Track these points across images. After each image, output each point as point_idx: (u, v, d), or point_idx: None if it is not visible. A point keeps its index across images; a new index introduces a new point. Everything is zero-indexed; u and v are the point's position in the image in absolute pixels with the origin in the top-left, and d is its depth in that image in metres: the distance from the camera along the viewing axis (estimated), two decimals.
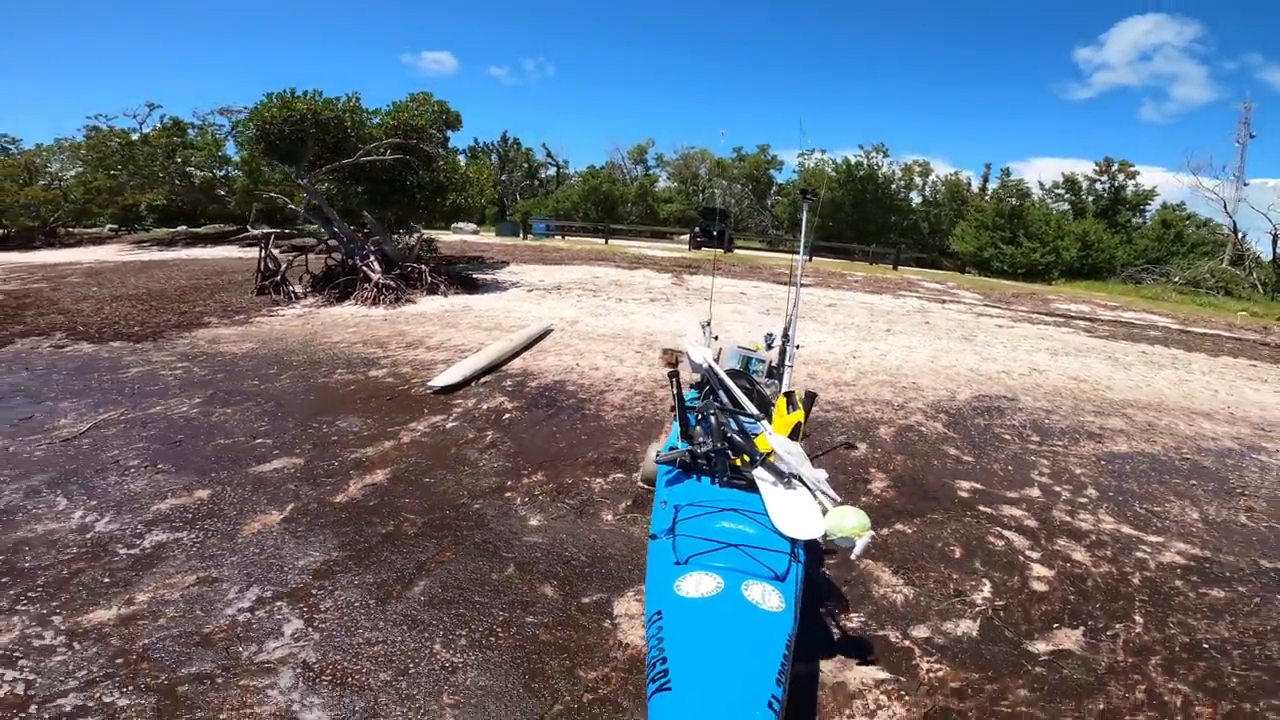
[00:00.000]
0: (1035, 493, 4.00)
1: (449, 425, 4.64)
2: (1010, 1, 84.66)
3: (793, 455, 2.57)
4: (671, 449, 2.78)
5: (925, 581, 2.97)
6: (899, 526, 3.44)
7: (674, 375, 2.99)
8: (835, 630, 2.58)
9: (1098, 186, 29.37)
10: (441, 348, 6.94)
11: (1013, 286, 18.01)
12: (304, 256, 10.78)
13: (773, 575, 2.01)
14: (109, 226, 26.79)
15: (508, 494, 3.59)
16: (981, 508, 3.74)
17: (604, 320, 8.96)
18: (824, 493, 2.43)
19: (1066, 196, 29.56)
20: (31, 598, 2.50)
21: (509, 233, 26.41)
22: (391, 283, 9.65)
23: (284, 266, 10.19)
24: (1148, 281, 22.94)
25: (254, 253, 18.76)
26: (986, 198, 30.59)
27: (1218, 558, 3.41)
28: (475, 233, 27.12)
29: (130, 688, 2.05)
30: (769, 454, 2.61)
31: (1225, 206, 25.90)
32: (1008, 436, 5.01)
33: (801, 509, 2.34)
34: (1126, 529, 3.64)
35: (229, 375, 5.75)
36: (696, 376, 3.44)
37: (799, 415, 3.02)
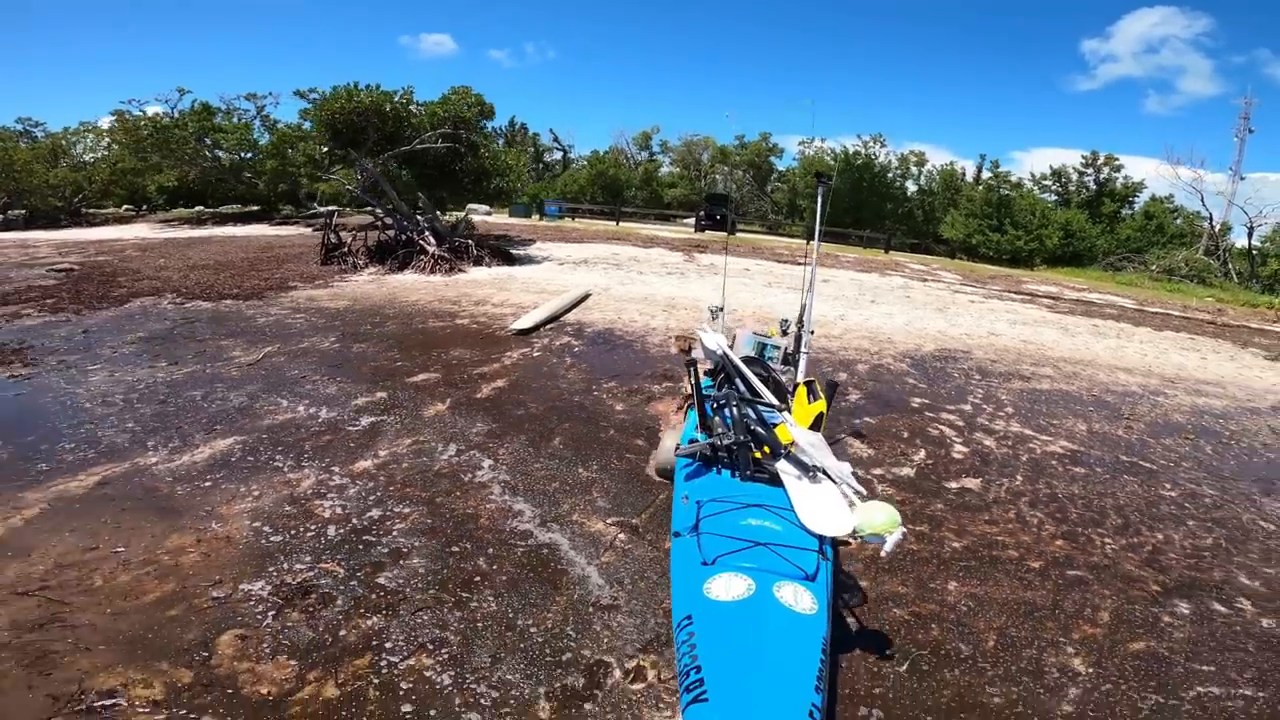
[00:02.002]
0: (967, 407, 5.53)
1: (535, 355, 6.16)
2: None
3: (816, 447, 2.55)
4: (691, 440, 2.76)
5: (882, 447, 4.49)
6: (867, 419, 4.98)
7: (691, 363, 2.99)
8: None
9: (1085, 179, 30.76)
10: (504, 305, 8.41)
11: (992, 270, 19.54)
12: (364, 233, 12.14)
13: (803, 575, 1.97)
14: (125, 207, 27.77)
15: (594, 393, 5.13)
16: (926, 413, 5.28)
17: (631, 288, 10.43)
18: (850, 486, 2.42)
19: (1053, 187, 30.97)
20: (308, 459, 3.84)
21: (521, 214, 27.60)
22: (445, 255, 11.08)
23: (351, 240, 11.58)
24: (1128, 269, 24.44)
25: (288, 230, 20.04)
26: (979, 187, 31.96)
27: (1088, 452, 4.92)
28: (488, 214, 28.38)
29: (406, 501, 3.39)
30: (791, 445, 2.57)
31: (1202, 199, 27.35)
32: (956, 375, 6.55)
33: (828, 504, 2.28)
34: (1028, 431, 5.16)
35: (344, 322, 7.21)
36: (710, 364, 3.49)
37: (820, 405, 2.95)
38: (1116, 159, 30.00)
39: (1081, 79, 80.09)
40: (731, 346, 3.72)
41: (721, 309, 4.36)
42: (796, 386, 3.19)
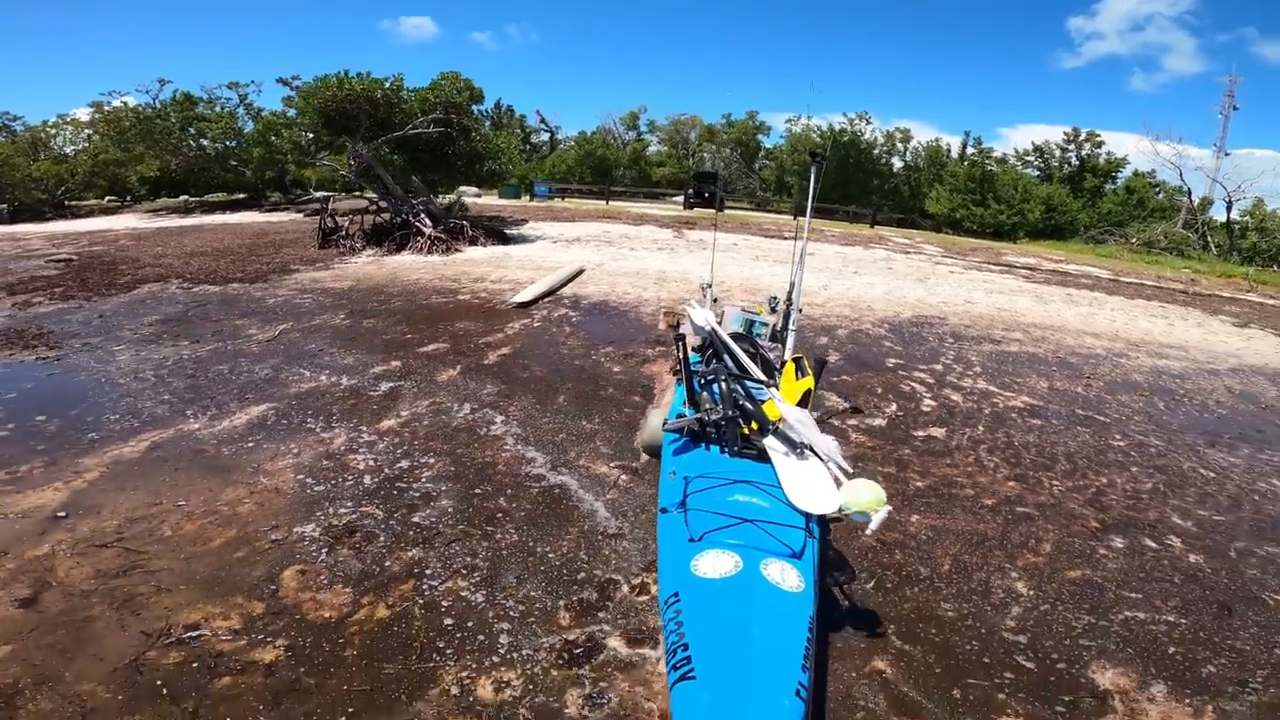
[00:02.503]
0: (938, 367, 5.96)
1: (535, 325, 6.54)
2: None
3: (804, 424, 2.56)
4: (679, 415, 2.75)
5: (858, 400, 4.90)
6: (845, 377, 5.39)
7: (680, 338, 2.98)
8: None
9: (1068, 155, 31.14)
10: (502, 281, 8.73)
11: (974, 243, 19.97)
12: (360, 217, 12.34)
13: (790, 553, 1.98)
14: (108, 198, 27.51)
15: (593, 357, 5.53)
16: (900, 372, 5.71)
17: (623, 264, 10.75)
18: (837, 464, 2.43)
19: (1036, 163, 31.35)
20: (337, 420, 4.17)
21: (511, 195, 27.66)
22: (442, 235, 11.34)
23: (348, 224, 11.81)
24: (1109, 243, 24.94)
25: (279, 216, 20.04)
26: (964, 164, 32.28)
27: (1047, 407, 5.35)
28: (478, 195, 28.44)
29: (430, 453, 3.75)
30: (779, 421, 2.57)
31: (1181, 174, 27.83)
32: (930, 339, 6.97)
33: (815, 481, 2.30)
34: (993, 388, 5.59)
35: (350, 301, 7.51)
36: (698, 339, 3.50)
37: (808, 382, 3.00)
38: (1098, 135, 30.41)
39: (1068, 56, 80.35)
40: (720, 323, 3.73)
41: (710, 285, 4.46)
42: (785, 363, 3.18)
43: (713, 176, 28.80)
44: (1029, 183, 28.10)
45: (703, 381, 2.88)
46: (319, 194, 12.46)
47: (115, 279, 8.89)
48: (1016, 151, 32.62)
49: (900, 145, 33.91)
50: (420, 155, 12.75)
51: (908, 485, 3.73)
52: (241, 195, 25.69)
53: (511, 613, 2.48)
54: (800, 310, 4.12)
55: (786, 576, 1.86)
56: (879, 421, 4.63)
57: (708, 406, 2.65)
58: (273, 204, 23.85)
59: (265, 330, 6.26)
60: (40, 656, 2.16)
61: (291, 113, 21.94)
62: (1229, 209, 26.99)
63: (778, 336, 4.03)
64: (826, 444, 2.51)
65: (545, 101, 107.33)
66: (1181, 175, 27.85)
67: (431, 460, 3.63)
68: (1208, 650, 2.58)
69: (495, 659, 2.24)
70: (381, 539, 2.88)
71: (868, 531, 2.22)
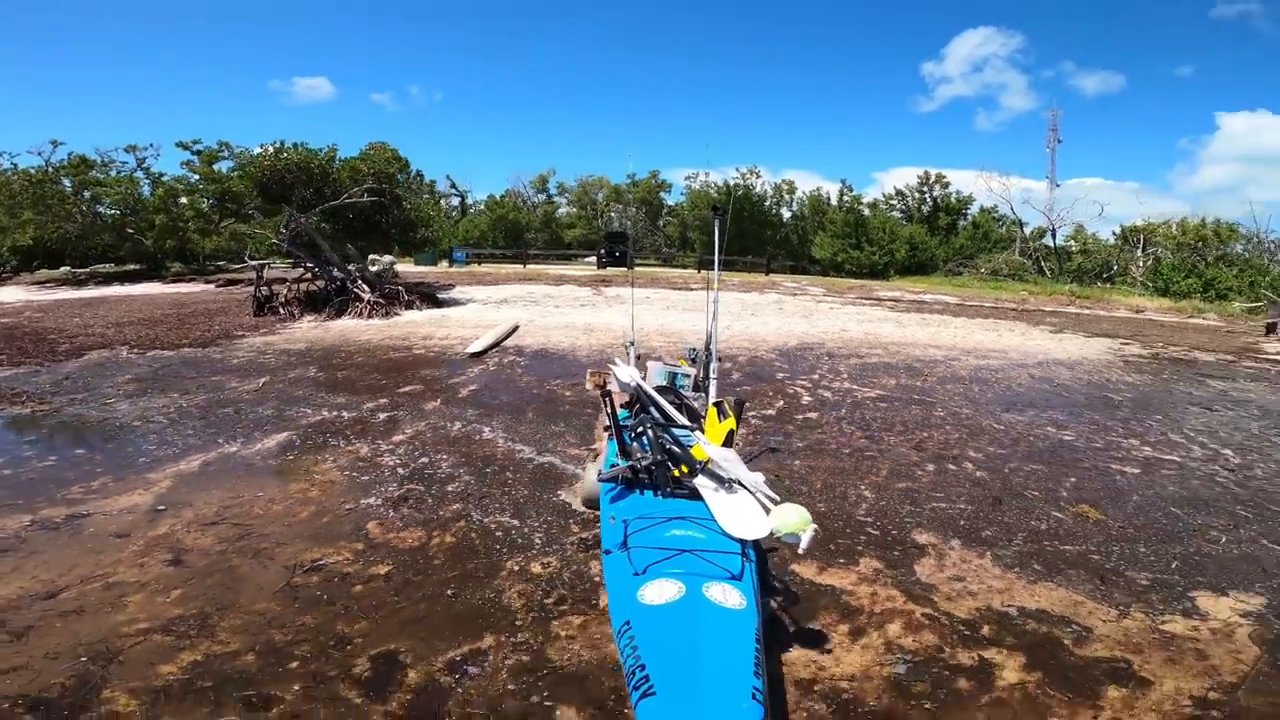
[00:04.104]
0: (816, 376, 7.68)
1: (491, 369, 7.74)
2: (863, 26, 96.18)
3: (730, 461, 2.74)
4: (612, 466, 2.91)
5: (755, 400, 6.45)
6: (746, 386, 6.94)
7: (605, 394, 3.19)
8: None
9: (924, 196, 35.83)
10: (449, 338, 9.85)
11: (851, 282, 22.88)
12: (297, 284, 13.05)
13: (729, 575, 2.10)
14: None
15: (547, 387, 6.83)
16: (786, 381, 7.37)
17: (552, 319, 12.11)
18: (764, 494, 2.60)
19: (898, 205, 35.83)
20: (355, 438, 5.15)
21: (429, 261, 28.36)
22: (380, 300, 12.29)
23: (285, 291, 12.51)
24: (964, 274, 28.87)
25: (189, 287, 19.81)
26: (841, 210, 36.33)
27: (893, 395, 7.11)
28: (393, 263, 29.06)
29: (441, 452, 4.82)
30: (707, 462, 2.74)
31: (1011, 206, 32.75)
32: (810, 358, 8.75)
33: (745, 511, 2.46)
34: (854, 387, 7.32)
35: (313, 358, 8.39)
36: (627, 396, 3.75)
37: (730, 423, 3.19)
38: (945, 176, 35.33)
39: (924, 100, 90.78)
40: (644, 378, 4.05)
41: (633, 343, 5.06)
42: (708, 408, 3.42)
43: (623, 236, 30.87)
44: (895, 225, 32.13)
45: (633, 434, 3.13)
46: (253, 262, 13.07)
47: (53, 347, 9.01)
48: (884, 196, 37.17)
49: (787, 196, 37.73)
50: (353, 223, 13.72)
51: (792, 444, 5.25)
52: (135, 266, 24.47)
53: (538, 528, 3.68)
54: (720, 360, 4.39)
55: (729, 596, 2.00)
56: (771, 411, 6.19)
57: (639, 455, 2.84)
58: (175, 275, 23.22)
59: (247, 383, 7.08)
60: (210, 593, 3.03)
61: (194, 178, 22.01)
62: (1054, 235, 31.99)
63: (700, 385, 4.35)
64: (753, 477, 2.72)
65: (452, 163, 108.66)
66: (1012, 208, 32.86)
67: (444, 456, 4.78)
68: (985, 523, 4.09)
69: (535, 551, 3.44)
70: (429, 501, 4.01)
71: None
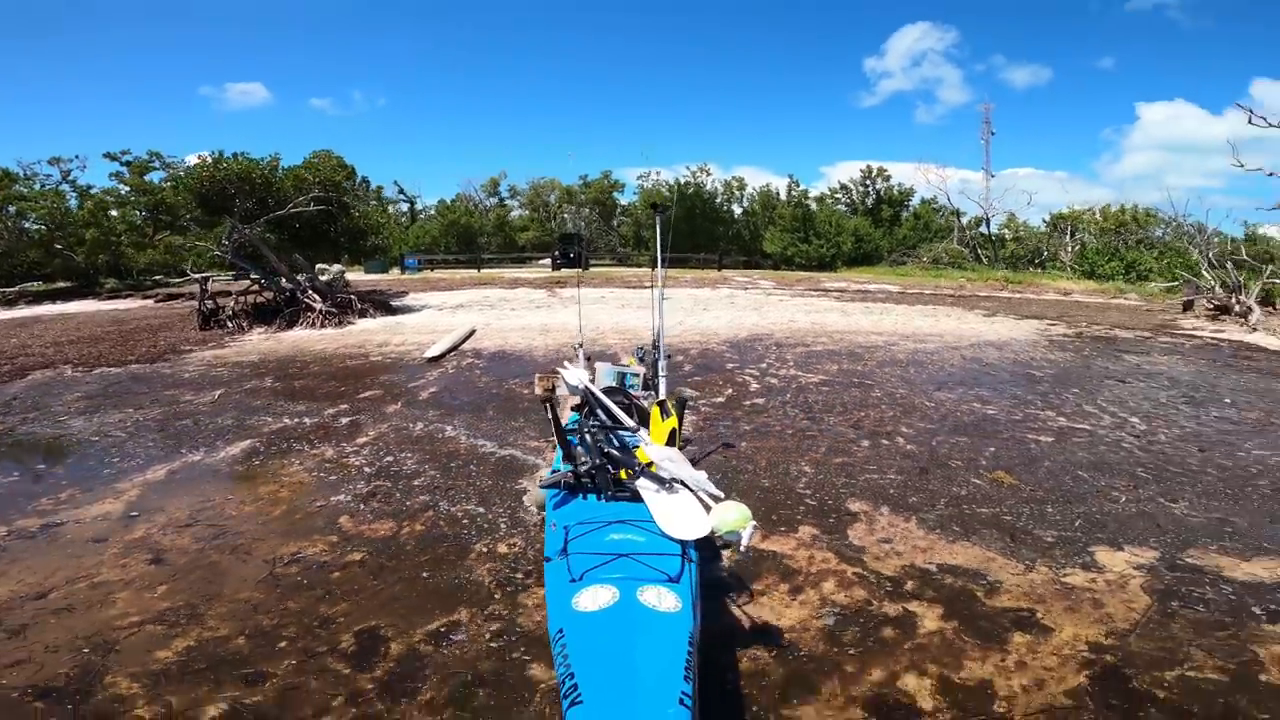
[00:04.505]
0: (764, 365, 8.10)
1: (450, 371, 7.92)
2: (807, 22, 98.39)
3: (672, 461, 2.74)
4: (554, 472, 2.92)
5: (706, 389, 6.81)
6: (697, 377, 7.29)
7: (548, 401, 3.12)
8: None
9: (867, 189, 37.04)
10: (405, 345, 9.93)
11: (800, 275, 23.63)
12: (245, 296, 12.87)
13: (666, 578, 2.12)
14: None
15: (505, 386, 7.07)
16: (735, 370, 7.76)
17: (508, 321, 12.28)
18: (707, 492, 2.60)
19: (843, 199, 36.96)
20: (319, 442, 5.28)
21: (379, 270, 27.93)
22: (333, 310, 12.23)
23: (234, 303, 12.34)
24: (908, 264, 30.04)
25: (125, 304, 19.15)
26: (790, 205, 37.27)
27: (834, 379, 7.57)
28: (343, 272, 28.54)
29: (406, 450, 5.00)
30: (649, 464, 2.74)
31: (948, 196, 34.22)
32: (759, 349, 9.19)
33: (686, 511, 2.47)
34: (799, 373, 7.76)
35: (267, 369, 8.39)
36: (576, 399, 3.74)
37: (673, 421, 3.21)
38: (886, 170, 36.62)
39: (867, 95, 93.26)
40: (593, 379, 4.06)
41: (581, 345, 5.16)
42: (652, 408, 3.42)
43: (576, 238, 31.04)
44: (841, 218, 33.13)
45: (577, 438, 3.13)
46: (196, 275, 12.83)
47: None
48: (829, 190, 38.26)
49: (738, 193, 38.43)
50: (300, 233, 13.59)
51: (740, 428, 5.62)
52: (66, 284, 23.55)
53: (503, 513, 3.93)
54: (668, 357, 4.51)
55: (663, 599, 2.00)
56: (720, 399, 6.57)
57: (581, 460, 2.82)
58: (110, 291, 22.42)
59: (202, 396, 7.08)
60: (195, 587, 3.21)
61: (125, 190, 21.29)
62: (988, 224, 33.55)
63: (650, 384, 4.42)
64: (695, 476, 2.72)
65: (399, 170, 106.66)
66: (949, 198, 34.33)
67: (409, 454, 4.98)
68: (912, 491, 4.49)
69: (501, 533, 3.70)
70: (397, 495, 4.22)
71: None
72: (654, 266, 4.76)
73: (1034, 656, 2.68)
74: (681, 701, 1.65)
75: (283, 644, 2.72)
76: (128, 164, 21.66)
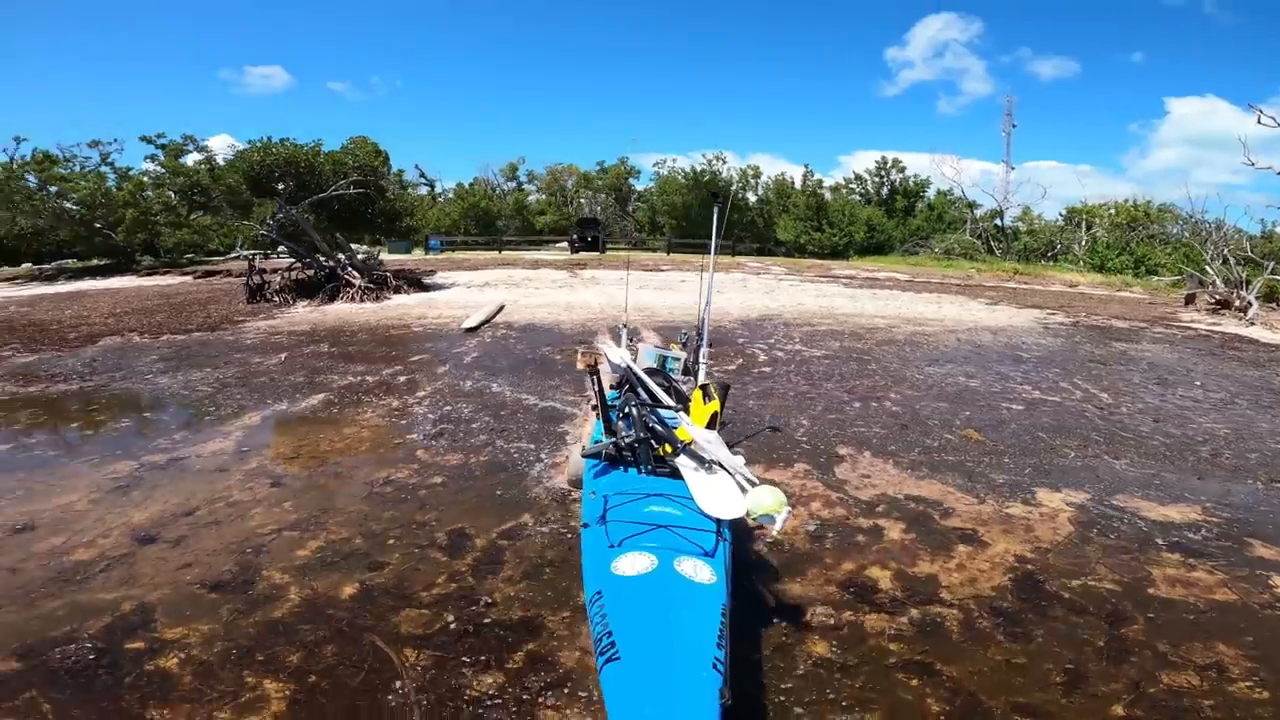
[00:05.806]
0: (772, 341, 8.88)
1: (487, 341, 8.77)
2: (830, 10, 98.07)
3: (711, 443, 2.80)
4: (596, 443, 3.02)
5: (719, 360, 7.58)
6: (710, 349, 8.06)
7: (594, 373, 3.24)
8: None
9: (881, 180, 37.35)
10: (441, 317, 10.78)
11: (811, 262, 24.23)
12: (288, 272, 13.75)
13: (702, 552, 2.20)
14: None
15: (540, 352, 7.93)
16: (745, 345, 8.56)
17: (534, 299, 13.10)
18: (743, 475, 2.69)
19: (857, 189, 37.31)
20: (383, 395, 6.11)
21: (403, 250, 28.76)
22: (371, 285, 13.10)
23: (279, 278, 13.24)
24: (921, 253, 30.46)
25: (165, 280, 19.99)
26: (804, 194, 37.68)
27: (836, 354, 8.32)
28: (379, 251, 29.45)
29: (460, 403, 5.83)
30: (689, 443, 2.80)
31: (962, 190, 34.48)
32: (769, 327, 9.96)
33: (723, 491, 2.55)
34: (804, 348, 8.53)
35: (321, 337, 9.26)
36: (616, 377, 3.86)
37: (715, 405, 3.26)
38: (901, 161, 36.88)
39: (888, 85, 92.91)
40: (635, 360, 4.18)
41: (626, 326, 5.40)
42: (694, 390, 3.50)
43: (595, 222, 31.72)
44: (854, 207, 33.56)
45: (620, 413, 3.22)
46: (246, 253, 13.67)
47: (63, 336, 9.41)
48: (844, 180, 38.60)
49: (753, 181, 38.87)
50: (340, 214, 14.46)
51: (747, 390, 6.42)
52: (103, 261, 24.29)
53: (544, 451, 4.73)
54: (710, 345, 4.64)
55: (699, 571, 2.07)
56: (731, 367, 7.37)
57: (624, 433, 2.93)
58: (148, 268, 23.31)
59: (269, 358, 7.94)
60: (313, 502, 3.96)
61: (160, 171, 22.13)
62: (1002, 216, 33.85)
63: (690, 369, 4.59)
64: (733, 460, 2.77)
65: (419, 152, 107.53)
66: (963, 190, 34.59)
67: (464, 405, 5.83)
68: (892, 442, 5.25)
69: (560, 459, 4.50)
70: (460, 435, 5.06)
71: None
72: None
73: (971, 561, 3.41)
74: (715, 666, 1.71)
75: (391, 541, 3.50)
76: (162, 147, 22.52)
